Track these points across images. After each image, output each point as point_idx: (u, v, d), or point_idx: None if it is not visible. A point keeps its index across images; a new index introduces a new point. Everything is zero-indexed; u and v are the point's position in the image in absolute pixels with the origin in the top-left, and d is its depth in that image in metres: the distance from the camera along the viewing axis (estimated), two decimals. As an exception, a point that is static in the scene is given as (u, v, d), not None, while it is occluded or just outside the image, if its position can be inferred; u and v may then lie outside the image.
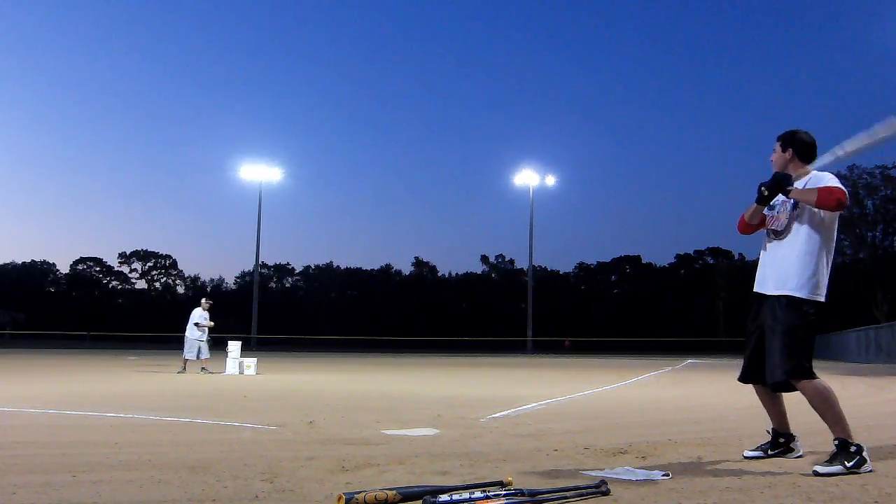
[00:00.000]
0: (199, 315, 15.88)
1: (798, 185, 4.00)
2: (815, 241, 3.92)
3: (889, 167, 57.99)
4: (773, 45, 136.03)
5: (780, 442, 4.23)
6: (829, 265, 3.97)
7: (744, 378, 4.22)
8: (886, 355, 28.96)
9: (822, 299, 3.90)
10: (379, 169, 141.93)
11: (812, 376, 3.81)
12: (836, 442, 3.73)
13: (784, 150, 4.14)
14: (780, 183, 3.94)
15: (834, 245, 4.02)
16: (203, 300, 16.71)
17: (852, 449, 3.69)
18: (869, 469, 3.67)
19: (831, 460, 3.69)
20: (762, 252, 4.16)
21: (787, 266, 3.93)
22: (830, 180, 3.91)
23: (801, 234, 3.95)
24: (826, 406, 3.80)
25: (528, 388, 11.37)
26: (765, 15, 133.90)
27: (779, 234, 4.05)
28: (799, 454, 4.21)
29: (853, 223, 59.50)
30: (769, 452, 4.22)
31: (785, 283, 3.92)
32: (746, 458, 4.21)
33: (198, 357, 15.49)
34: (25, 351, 33.14)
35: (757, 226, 4.23)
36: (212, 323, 15.98)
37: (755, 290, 4.12)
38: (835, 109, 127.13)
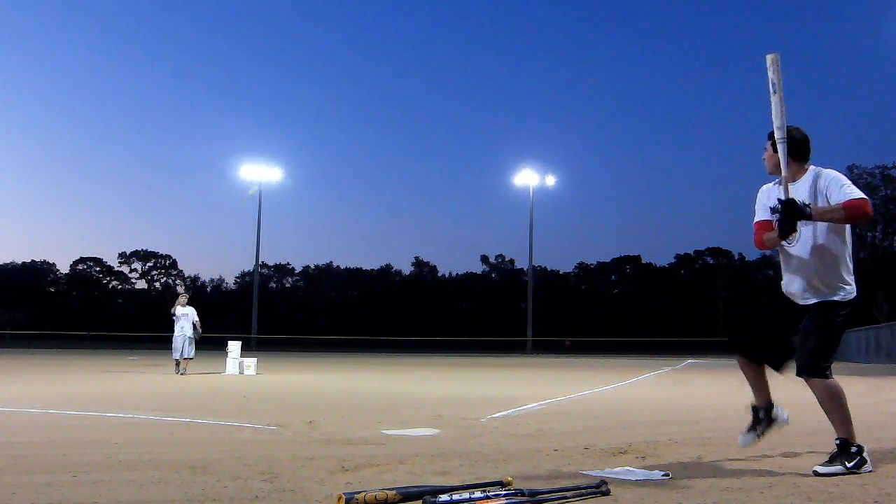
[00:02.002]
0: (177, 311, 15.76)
1: (801, 185, 3.86)
2: (836, 245, 3.85)
3: (889, 167, 58.14)
4: (773, 45, 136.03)
5: (761, 417, 4.17)
6: (852, 258, 3.94)
7: (745, 351, 4.12)
8: (886, 355, 28.96)
9: (854, 295, 3.85)
10: (379, 169, 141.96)
11: (825, 375, 3.79)
12: (838, 442, 3.73)
13: (776, 151, 3.99)
14: (799, 216, 3.69)
15: (849, 235, 3.94)
16: (180, 295, 16.49)
17: (853, 449, 3.69)
18: (869, 469, 3.67)
19: (832, 460, 3.69)
20: (782, 258, 4.02)
21: (817, 274, 3.84)
22: (846, 185, 3.77)
23: (820, 241, 3.84)
24: (834, 406, 3.79)
25: (528, 388, 11.37)
26: (765, 15, 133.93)
27: (794, 244, 3.94)
28: (784, 419, 4.16)
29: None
30: (758, 430, 4.17)
31: (818, 290, 3.85)
32: (743, 445, 4.20)
33: (181, 356, 15.17)
34: (25, 351, 33.13)
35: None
36: (184, 312, 15.58)
37: (785, 290, 4.01)
38: (836, 109, 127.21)
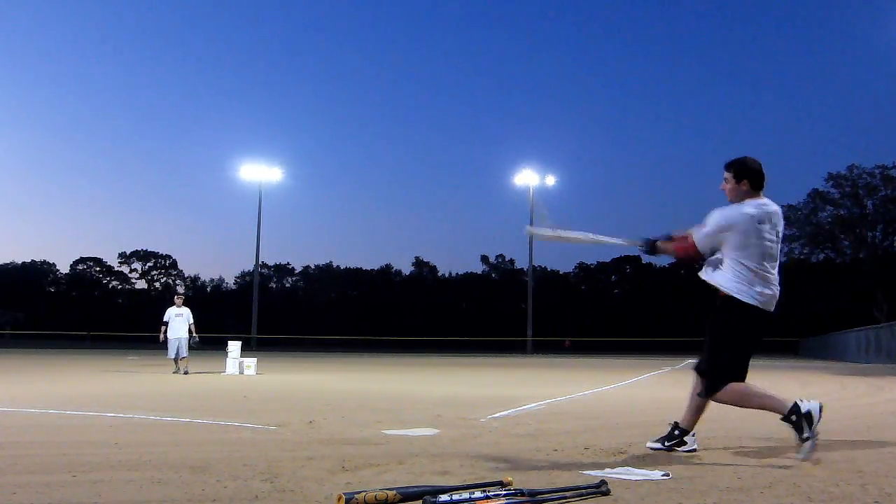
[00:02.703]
0: (169, 313, 15.77)
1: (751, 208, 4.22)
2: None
3: (889, 167, 58.03)
4: (773, 45, 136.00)
5: (675, 435, 4.48)
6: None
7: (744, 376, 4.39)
8: (886, 355, 28.94)
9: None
10: (379, 169, 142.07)
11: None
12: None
13: (739, 182, 4.27)
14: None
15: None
16: (175, 296, 16.57)
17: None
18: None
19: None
20: (772, 275, 4.26)
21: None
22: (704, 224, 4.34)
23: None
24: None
25: (528, 388, 11.37)
26: (764, 16, 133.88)
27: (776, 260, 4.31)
28: (693, 448, 4.43)
29: (853, 223, 59.48)
30: (667, 444, 4.47)
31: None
32: (650, 449, 4.50)
33: (177, 356, 15.25)
34: (25, 351, 33.11)
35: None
36: (178, 313, 15.67)
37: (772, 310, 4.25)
38: (836, 109, 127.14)
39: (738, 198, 4.26)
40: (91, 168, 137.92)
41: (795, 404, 3.95)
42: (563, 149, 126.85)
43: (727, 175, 4.30)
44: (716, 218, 4.26)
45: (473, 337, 58.61)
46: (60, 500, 2.97)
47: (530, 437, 5.11)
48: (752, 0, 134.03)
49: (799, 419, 3.92)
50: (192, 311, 15.92)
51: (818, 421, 3.92)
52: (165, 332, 15.52)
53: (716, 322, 4.32)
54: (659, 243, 4.50)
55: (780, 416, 4.01)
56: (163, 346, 15.77)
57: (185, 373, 14.70)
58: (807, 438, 3.90)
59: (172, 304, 16.05)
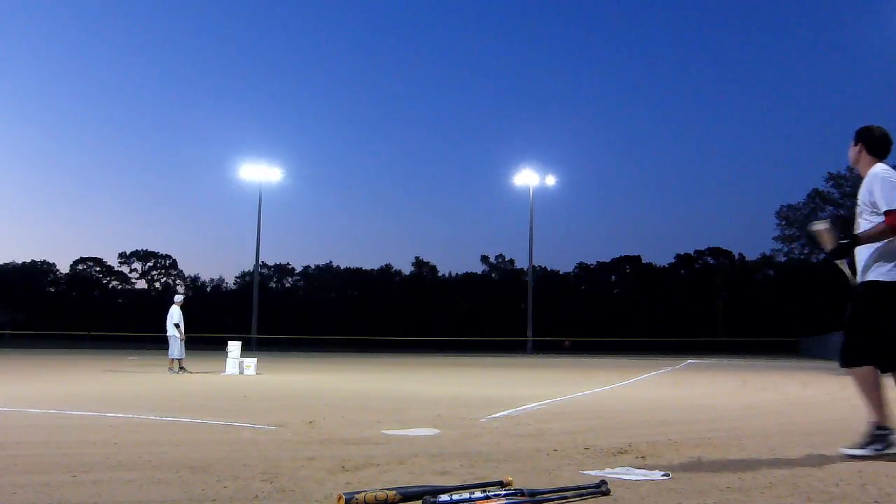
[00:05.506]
0: (180, 315, 15.94)
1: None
2: None
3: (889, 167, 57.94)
4: (772, 45, 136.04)
5: (883, 434, 4.19)
6: None
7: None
8: (886, 355, 28.91)
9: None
10: (379, 169, 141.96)
11: None
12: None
13: (865, 150, 4.51)
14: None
15: None
16: (177, 296, 16.73)
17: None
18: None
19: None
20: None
21: None
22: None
23: None
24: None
25: (528, 388, 11.37)
26: (764, 17, 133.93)
27: None
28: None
29: (853, 223, 59.39)
30: (879, 447, 4.15)
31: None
32: (848, 453, 4.20)
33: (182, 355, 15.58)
34: (25, 351, 33.12)
35: None
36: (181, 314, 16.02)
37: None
38: (835, 108, 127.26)
39: (856, 163, 4.56)
40: (91, 168, 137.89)
41: (890, 429, 4.14)
42: (563, 149, 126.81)
43: (852, 143, 4.57)
44: None
45: (473, 337, 58.61)
46: (60, 500, 2.98)
47: (530, 437, 5.11)
48: (752, 1, 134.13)
49: (879, 434, 4.13)
50: (191, 311, 16.14)
51: (878, 451, 4.08)
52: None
53: None
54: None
55: (872, 422, 4.16)
56: (165, 342, 15.93)
57: (173, 370, 14.95)
58: (863, 448, 4.09)
59: (174, 304, 16.15)
